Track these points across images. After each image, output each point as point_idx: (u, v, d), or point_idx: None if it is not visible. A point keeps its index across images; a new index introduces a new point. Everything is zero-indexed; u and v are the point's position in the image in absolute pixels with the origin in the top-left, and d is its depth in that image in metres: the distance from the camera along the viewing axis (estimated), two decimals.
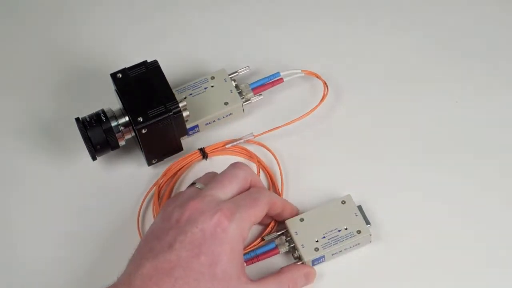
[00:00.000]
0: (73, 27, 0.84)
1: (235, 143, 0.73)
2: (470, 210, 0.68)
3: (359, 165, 0.72)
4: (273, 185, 0.70)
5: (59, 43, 0.82)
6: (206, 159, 0.73)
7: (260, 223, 0.67)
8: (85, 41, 0.82)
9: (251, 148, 0.73)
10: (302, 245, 0.64)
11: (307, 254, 0.63)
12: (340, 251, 0.64)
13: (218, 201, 0.60)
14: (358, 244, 0.65)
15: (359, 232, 0.64)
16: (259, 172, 0.71)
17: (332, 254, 0.64)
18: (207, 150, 0.72)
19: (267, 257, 0.65)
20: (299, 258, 0.64)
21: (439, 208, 0.69)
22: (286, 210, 0.66)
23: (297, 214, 0.66)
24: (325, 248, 0.64)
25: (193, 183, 0.65)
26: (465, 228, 0.67)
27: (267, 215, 0.64)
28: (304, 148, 0.73)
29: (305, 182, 0.71)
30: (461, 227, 0.67)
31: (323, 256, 0.64)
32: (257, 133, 0.73)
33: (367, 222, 0.65)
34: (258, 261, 0.64)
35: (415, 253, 0.66)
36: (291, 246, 0.65)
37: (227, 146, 0.73)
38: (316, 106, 0.73)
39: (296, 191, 0.70)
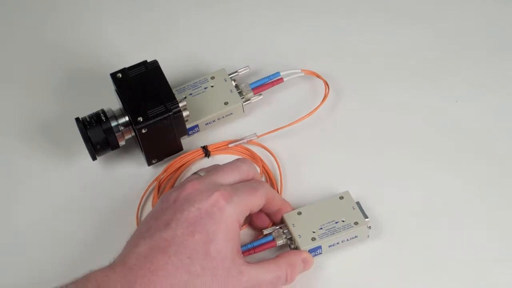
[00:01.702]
0: (73, 27, 0.84)
1: (238, 142, 0.73)
2: (470, 209, 0.68)
3: (359, 165, 0.72)
4: (272, 186, 0.70)
5: (59, 43, 0.82)
6: (208, 157, 0.73)
7: (255, 227, 0.67)
8: (85, 41, 0.82)
9: (254, 149, 0.73)
10: (299, 235, 0.64)
11: (304, 244, 0.63)
12: (338, 242, 0.64)
13: (217, 184, 0.61)
14: (356, 237, 0.64)
15: (356, 223, 0.64)
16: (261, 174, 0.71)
17: (329, 246, 0.64)
18: (209, 148, 0.72)
19: (264, 249, 0.64)
20: (296, 249, 0.64)
21: (439, 208, 0.69)
22: (285, 209, 0.66)
23: None
24: (322, 238, 0.63)
25: (195, 172, 0.66)
26: (464, 227, 0.67)
27: (265, 211, 0.65)
28: (305, 148, 0.73)
29: (305, 183, 0.71)
30: (460, 226, 0.67)
31: (320, 247, 0.63)
32: (259, 133, 0.73)
33: (365, 216, 0.65)
34: (255, 252, 0.64)
35: (415, 251, 0.66)
36: (288, 238, 0.65)
37: (230, 146, 0.73)
38: (319, 106, 0.73)
39: (296, 191, 0.70)
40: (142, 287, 0.55)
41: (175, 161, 0.72)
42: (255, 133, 0.73)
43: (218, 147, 0.73)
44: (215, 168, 0.65)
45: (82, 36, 0.83)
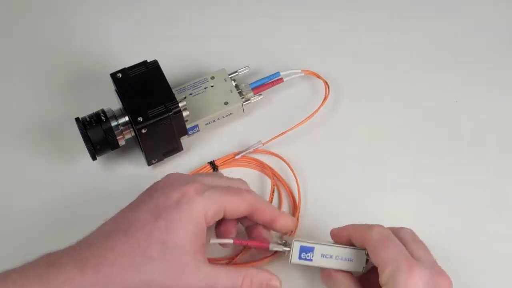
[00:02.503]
0: (73, 27, 0.84)
1: (243, 153, 0.72)
2: (471, 211, 0.69)
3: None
4: (292, 202, 0.69)
5: (59, 43, 0.82)
6: (216, 172, 0.72)
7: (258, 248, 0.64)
8: (85, 41, 0.82)
9: (261, 157, 0.72)
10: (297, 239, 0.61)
11: (297, 239, 0.61)
12: (331, 255, 0.61)
13: (197, 178, 0.60)
14: (351, 260, 0.61)
15: (355, 248, 0.61)
16: (273, 190, 0.70)
17: (322, 255, 0.61)
18: (217, 163, 0.72)
19: (255, 246, 0.62)
20: (286, 244, 0.62)
21: (440, 208, 0.69)
22: (280, 219, 0.62)
23: (295, 226, 0.63)
24: (318, 243, 0.60)
25: None
26: (465, 229, 0.67)
27: (259, 223, 0.62)
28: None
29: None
30: (461, 228, 0.67)
31: (312, 250, 0.60)
32: (260, 134, 0.72)
33: (363, 267, 0.61)
34: (247, 244, 0.62)
35: None
36: (283, 243, 0.62)
37: (236, 157, 0.72)
38: (320, 107, 0.73)
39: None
40: (94, 261, 0.55)
41: None
42: (260, 141, 0.72)
43: (225, 161, 0.72)
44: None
45: (82, 36, 0.83)
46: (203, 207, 0.57)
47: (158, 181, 0.61)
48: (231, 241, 0.61)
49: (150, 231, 0.56)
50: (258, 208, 0.61)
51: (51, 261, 0.55)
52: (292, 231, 0.66)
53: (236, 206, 0.59)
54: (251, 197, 0.61)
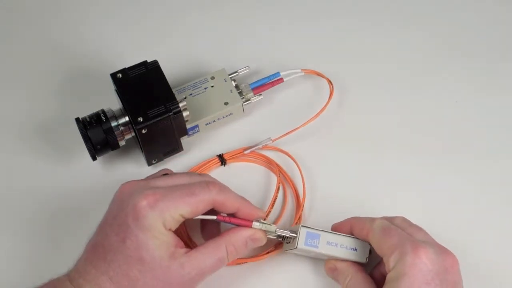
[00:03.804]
0: (73, 27, 0.84)
1: (253, 149, 0.72)
2: (471, 211, 0.69)
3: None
4: (296, 199, 0.70)
5: (59, 43, 0.82)
6: (224, 165, 0.72)
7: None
8: (85, 41, 0.82)
9: (270, 153, 0.72)
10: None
11: (304, 224, 0.62)
12: (337, 243, 0.62)
13: (151, 186, 0.60)
14: (356, 249, 0.62)
15: (359, 240, 0.62)
16: (279, 188, 0.70)
17: (327, 243, 0.61)
18: (225, 157, 0.72)
19: (238, 224, 0.61)
20: (291, 240, 0.62)
21: (442, 208, 0.69)
22: (244, 209, 0.61)
23: (262, 217, 0.62)
24: (324, 230, 0.62)
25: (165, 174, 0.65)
26: (465, 229, 0.67)
27: (222, 212, 0.62)
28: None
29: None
30: (460, 228, 0.67)
31: (318, 237, 0.61)
32: (262, 133, 0.72)
33: (367, 258, 0.62)
34: (230, 221, 0.61)
35: None
36: (292, 234, 0.62)
37: (245, 152, 0.72)
38: (326, 104, 0.73)
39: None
40: None
41: (192, 170, 0.71)
42: (269, 137, 0.72)
43: (233, 155, 0.72)
44: (172, 174, 0.64)
45: (82, 36, 0.83)
46: (159, 219, 0.58)
47: (116, 193, 0.61)
48: (214, 217, 0.61)
49: (124, 253, 0.57)
50: (218, 202, 0.60)
51: None
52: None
53: (192, 207, 0.59)
54: (209, 195, 0.60)
